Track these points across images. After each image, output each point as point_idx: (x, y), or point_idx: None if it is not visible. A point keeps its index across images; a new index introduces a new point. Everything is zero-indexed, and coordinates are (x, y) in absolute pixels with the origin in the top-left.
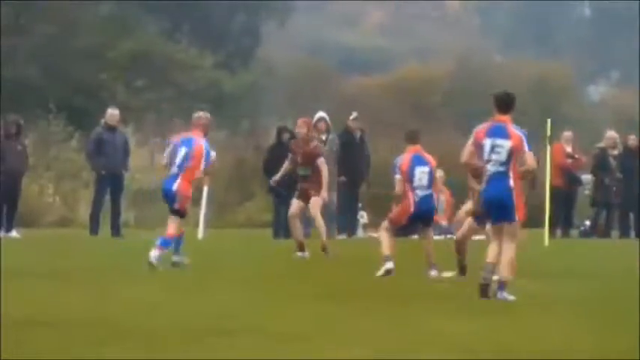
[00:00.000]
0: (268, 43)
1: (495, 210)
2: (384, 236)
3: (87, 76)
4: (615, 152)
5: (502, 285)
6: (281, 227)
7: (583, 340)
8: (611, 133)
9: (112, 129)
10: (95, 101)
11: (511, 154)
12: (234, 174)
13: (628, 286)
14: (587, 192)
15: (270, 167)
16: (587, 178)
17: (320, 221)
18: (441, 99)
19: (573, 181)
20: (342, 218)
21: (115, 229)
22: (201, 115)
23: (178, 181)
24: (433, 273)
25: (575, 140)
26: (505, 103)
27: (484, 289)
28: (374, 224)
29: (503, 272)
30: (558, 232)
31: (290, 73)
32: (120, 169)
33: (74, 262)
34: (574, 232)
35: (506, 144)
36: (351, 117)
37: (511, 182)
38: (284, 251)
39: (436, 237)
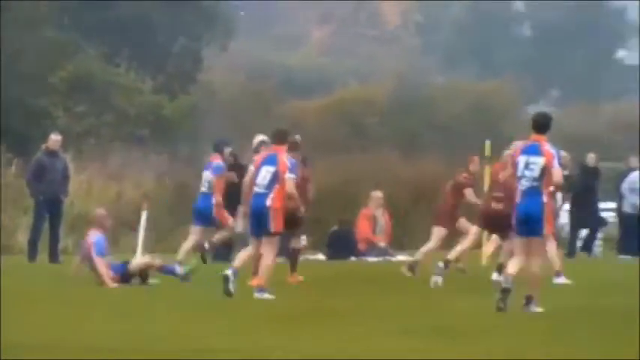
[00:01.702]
0: (210, 66)
1: (526, 224)
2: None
3: (27, 101)
4: (566, 172)
5: (529, 299)
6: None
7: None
8: (562, 153)
9: (53, 154)
10: (35, 127)
11: (544, 170)
12: (174, 199)
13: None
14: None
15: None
16: None
17: None
18: (380, 119)
19: None
20: None
21: (54, 256)
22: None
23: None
24: (258, 294)
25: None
26: (540, 124)
27: (504, 296)
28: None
29: (532, 286)
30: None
31: (231, 97)
32: (59, 194)
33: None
34: None
35: (539, 161)
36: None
37: (543, 198)
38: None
39: (374, 258)
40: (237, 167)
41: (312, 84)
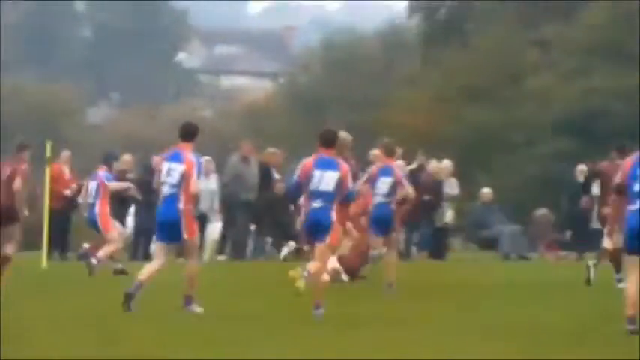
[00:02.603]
0: None
1: (166, 231)
2: None
3: None
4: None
5: (188, 299)
6: None
7: None
8: (126, 157)
9: None
10: None
11: (182, 177)
12: None
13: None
14: None
15: None
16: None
17: None
18: None
19: (71, 204)
20: None
21: None
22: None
23: None
24: None
25: (73, 162)
26: (186, 132)
27: (128, 299)
28: None
29: (188, 287)
30: (56, 253)
31: None
32: None
33: None
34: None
35: (179, 168)
36: None
37: (181, 205)
38: None
39: None
40: None
41: None
